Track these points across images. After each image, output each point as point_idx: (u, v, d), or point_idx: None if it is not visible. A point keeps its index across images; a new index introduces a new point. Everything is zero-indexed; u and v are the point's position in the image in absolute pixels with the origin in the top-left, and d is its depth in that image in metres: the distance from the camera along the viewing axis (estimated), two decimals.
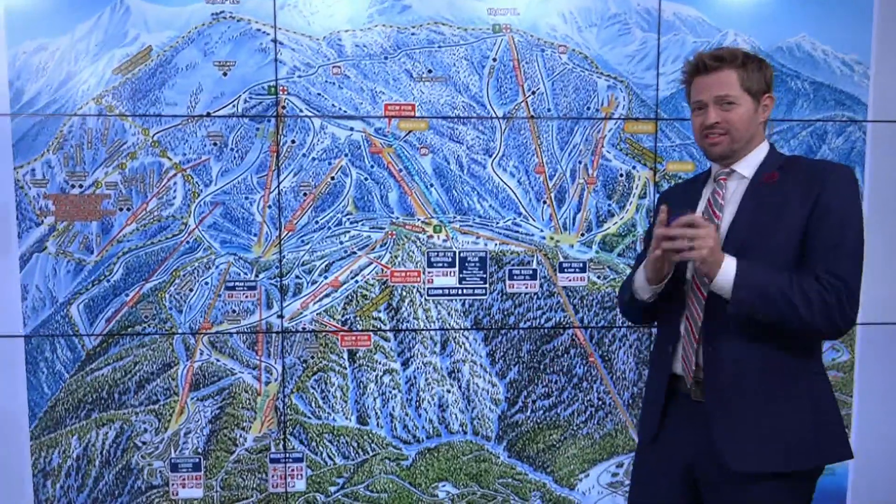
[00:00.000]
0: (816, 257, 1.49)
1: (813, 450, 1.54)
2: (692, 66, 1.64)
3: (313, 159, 2.43)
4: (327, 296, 2.46)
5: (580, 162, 2.49)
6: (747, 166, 1.61)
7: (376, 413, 2.50)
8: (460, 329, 2.50)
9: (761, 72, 1.60)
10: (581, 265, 2.52)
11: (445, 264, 2.48)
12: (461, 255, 2.48)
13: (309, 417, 2.48)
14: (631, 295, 1.72)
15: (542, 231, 2.50)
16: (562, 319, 2.53)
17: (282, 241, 2.43)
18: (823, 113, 2.55)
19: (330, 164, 2.43)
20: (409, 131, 2.45)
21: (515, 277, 2.50)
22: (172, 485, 2.48)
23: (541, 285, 2.51)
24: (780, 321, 1.48)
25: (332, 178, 2.43)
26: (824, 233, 1.49)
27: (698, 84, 1.62)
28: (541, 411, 2.55)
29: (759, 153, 1.62)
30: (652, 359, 1.81)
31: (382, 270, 2.47)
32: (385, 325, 2.48)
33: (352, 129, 2.43)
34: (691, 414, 1.61)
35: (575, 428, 2.57)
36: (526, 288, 2.51)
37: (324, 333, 2.46)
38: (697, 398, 1.60)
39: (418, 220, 2.47)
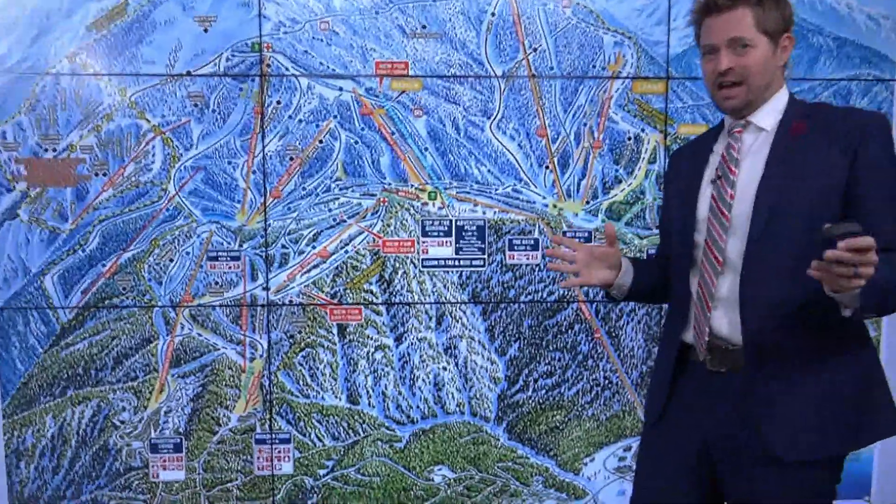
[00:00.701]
0: (876, 222, 1.28)
1: (867, 427, 1.39)
2: (702, 4, 1.47)
3: (300, 121, 2.30)
4: (315, 267, 2.34)
5: (585, 124, 2.35)
6: (766, 116, 1.45)
7: (368, 392, 2.38)
8: (457, 303, 2.37)
9: (779, 9, 1.43)
10: (586, 235, 2.38)
11: (441, 233, 2.35)
12: (458, 223, 2.35)
13: (296, 396, 2.36)
14: None
15: (544, 198, 2.37)
16: (565, 293, 2.39)
17: (267, 209, 2.31)
18: (848, 71, 2.38)
19: (318, 126, 2.30)
20: (402, 91, 2.31)
21: (516, 248, 2.37)
22: (152, 466, 2.36)
23: (543, 256, 2.38)
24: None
25: (320, 142, 2.30)
26: (877, 194, 1.33)
27: (709, 25, 1.45)
28: (543, 391, 2.42)
29: (778, 101, 1.46)
30: (663, 327, 1.68)
31: (374, 240, 2.34)
32: (377, 298, 2.36)
33: (341, 88, 2.29)
34: (707, 387, 1.47)
35: (580, 409, 2.44)
36: (527, 259, 2.38)
37: (312, 307, 2.34)
38: (714, 368, 1.45)
39: (412, 186, 2.34)
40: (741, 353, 1.40)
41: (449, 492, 2.42)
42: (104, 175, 2.27)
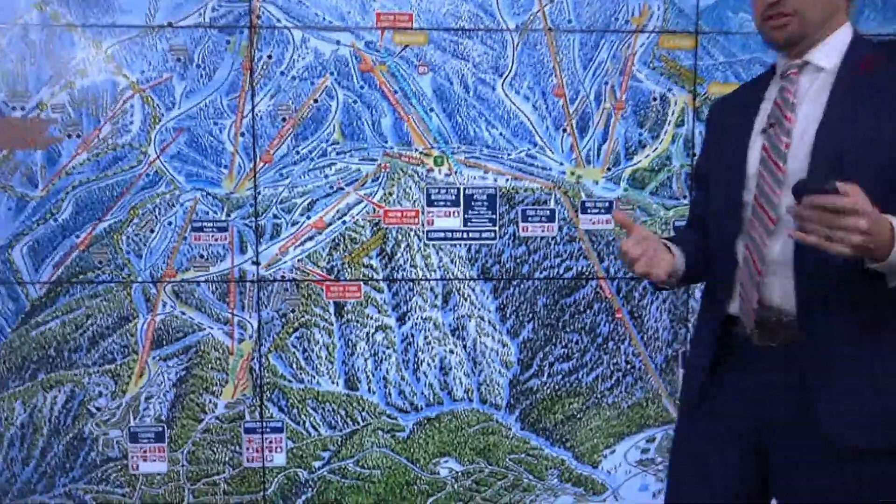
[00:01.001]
0: None
1: None
2: None
3: (293, 78, 2.11)
4: (310, 239, 2.17)
5: (606, 83, 2.17)
6: (826, 55, 1.26)
7: (367, 376, 2.21)
8: (465, 279, 2.20)
9: None
10: (607, 205, 2.20)
11: (448, 203, 2.17)
12: (466, 192, 2.17)
13: (289, 381, 2.19)
14: None
15: (561, 164, 2.18)
16: (584, 269, 2.22)
17: (257, 175, 2.13)
18: (894, 26, 2.18)
19: (313, 84, 2.12)
20: (406, 46, 2.13)
21: (530, 219, 2.20)
22: (132, 457, 2.19)
23: (560, 228, 2.20)
24: None
25: (316, 101, 2.13)
26: None
27: None
28: (559, 376, 2.25)
29: (840, 38, 1.27)
30: (702, 300, 1.50)
31: (374, 209, 2.17)
32: (377, 273, 2.18)
33: (338, 42, 2.11)
34: (755, 365, 1.30)
35: (599, 396, 2.26)
36: (542, 231, 2.20)
37: (306, 283, 2.17)
38: (762, 342, 1.28)
39: (416, 150, 2.16)
40: (794, 324, 1.24)
41: (456, 486, 2.26)
42: (77, 137, 2.09)
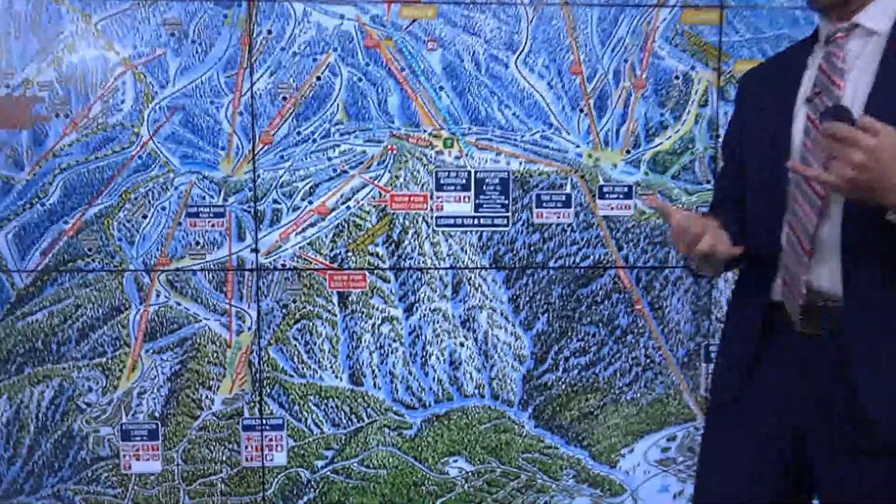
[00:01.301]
0: None
1: None
2: None
3: (294, 54, 2.00)
4: (312, 225, 2.06)
5: (626, 60, 2.06)
6: (876, 16, 1.16)
7: (373, 371, 2.11)
8: (476, 268, 2.10)
9: None
10: (626, 189, 2.09)
11: (458, 187, 2.07)
12: (477, 175, 2.07)
13: (290, 375, 2.10)
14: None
15: (578, 146, 2.08)
16: (602, 257, 2.11)
17: (256, 157, 2.03)
18: None
19: (315, 60, 2.01)
20: (414, 20, 2.02)
21: (545, 204, 2.09)
22: (124, 456, 2.09)
23: (576, 214, 2.10)
24: None
25: (318, 79, 2.02)
26: None
27: None
28: (575, 371, 2.15)
29: None
30: (738, 285, 1.39)
31: (380, 194, 2.06)
32: (384, 262, 2.08)
33: (342, 16, 2.00)
34: (798, 356, 1.20)
35: (617, 392, 2.16)
36: (558, 217, 2.09)
37: (308, 272, 2.07)
38: (807, 330, 1.18)
39: (424, 131, 2.05)
40: (841, 310, 1.14)
41: (466, 487, 2.16)
42: (66, 116, 1.99)
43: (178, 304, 2.05)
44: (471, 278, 2.10)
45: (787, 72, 1.28)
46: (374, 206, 2.06)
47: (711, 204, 1.50)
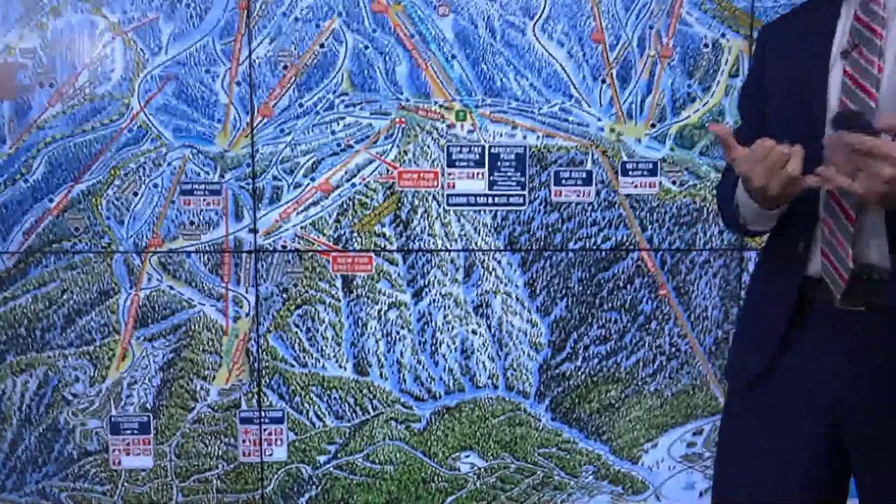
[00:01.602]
0: None
1: None
2: None
3: (296, 20, 1.90)
4: (315, 204, 1.97)
5: (651, 27, 1.96)
6: None
7: (379, 360, 2.03)
8: (490, 250, 2.01)
9: None
10: (651, 166, 2.00)
11: (471, 163, 1.98)
12: (492, 150, 1.98)
13: (291, 365, 2.01)
14: (733, 209, 1.23)
15: (599, 120, 1.98)
16: (624, 238, 2.02)
17: (254, 131, 1.94)
18: None
19: (318, 26, 1.91)
20: None
21: (564, 182, 1.99)
22: (113, 451, 2.01)
23: (597, 193, 2.00)
24: None
25: (322, 46, 1.92)
26: None
27: None
28: (595, 360, 2.06)
29: None
30: (764, 260, 1.28)
31: (388, 170, 1.97)
32: (391, 243, 1.99)
33: None
34: (835, 334, 1.10)
35: (640, 383, 2.07)
36: (577, 196, 2.00)
37: (310, 254, 1.98)
38: (848, 306, 1.08)
39: (435, 103, 1.96)
40: (886, 281, 1.05)
41: (478, 483, 2.08)
42: (51, 86, 1.89)
43: (171, 288, 1.97)
44: (484, 261, 2.01)
45: (817, 22, 1.16)
46: (380, 184, 1.97)
47: (726, 167, 1.38)
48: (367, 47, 1.92)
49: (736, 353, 1.29)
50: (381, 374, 2.02)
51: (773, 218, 1.17)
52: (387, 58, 1.93)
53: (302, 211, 1.96)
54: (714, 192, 2.00)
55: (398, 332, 2.02)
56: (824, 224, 1.10)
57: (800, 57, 1.16)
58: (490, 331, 2.03)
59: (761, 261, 1.29)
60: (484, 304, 2.02)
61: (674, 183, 2.00)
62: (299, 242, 1.97)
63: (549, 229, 2.00)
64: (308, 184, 1.95)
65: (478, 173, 1.98)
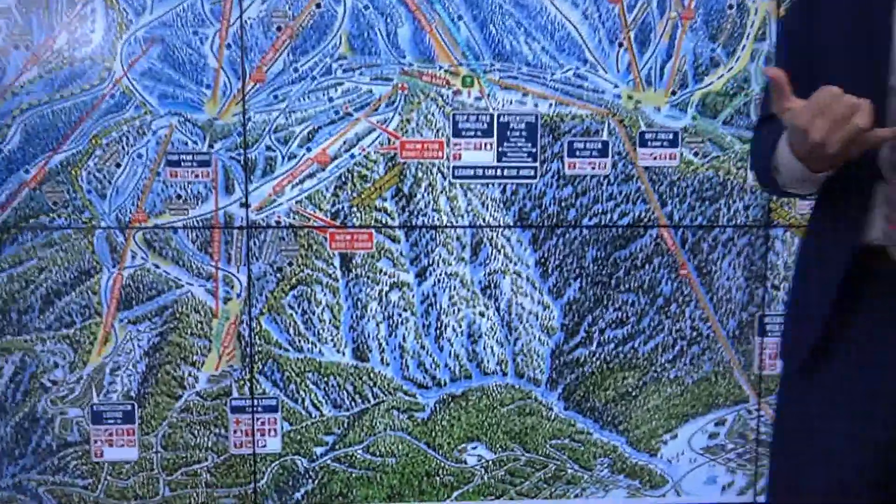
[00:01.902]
0: None
1: None
2: None
3: None
4: (311, 176, 1.89)
5: None
6: None
7: (380, 344, 1.96)
8: (499, 227, 1.93)
9: None
10: (671, 136, 1.91)
11: (479, 133, 1.90)
12: (501, 119, 1.90)
13: (285, 349, 1.94)
14: (771, 170, 1.13)
15: (616, 87, 1.89)
16: (642, 214, 1.94)
17: (246, 97, 1.85)
18: None
19: None
20: None
21: (578, 153, 1.91)
22: (95, 442, 1.93)
23: (614, 165, 1.92)
24: None
25: (318, 6, 1.83)
26: None
27: None
28: (611, 345, 1.98)
29: None
30: (813, 227, 1.18)
31: (389, 140, 1.89)
32: (392, 219, 1.92)
33: None
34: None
35: (658, 369, 1.99)
36: (592, 168, 1.92)
37: (306, 230, 1.91)
38: None
39: (440, 68, 1.87)
40: None
41: (486, 477, 2.00)
42: (26, 48, 1.80)
43: (157, 266, 1.89)
44: (492, 238, 1.94)
45: None
46: (381, 155, 1.89)
47: (760, 118, 1.26)
48: (366, 7, 1.83)
49: (788, 331, 1.20)
50: (381, 360, 1.95)
51: (818, 182, 1.05)
52: (388, 19, 1.84)
53: (297, 184, 1.88)
54: (739, 164, 1.91)
55: (400, 315, 1.95)
56: (890, 185, 1.00)
57: (852, 4, 1.05)
58: (499, 313, 1.96)
59: (808, 231, 1.19)
60: (492, 285, 1.95)
61: (696, 154, 1.91)
62: (294, 218, 1.89)
63: (562, 204, 1.92)
64: (303, 155, 1.87)
65: (486, 144, 1.89)
